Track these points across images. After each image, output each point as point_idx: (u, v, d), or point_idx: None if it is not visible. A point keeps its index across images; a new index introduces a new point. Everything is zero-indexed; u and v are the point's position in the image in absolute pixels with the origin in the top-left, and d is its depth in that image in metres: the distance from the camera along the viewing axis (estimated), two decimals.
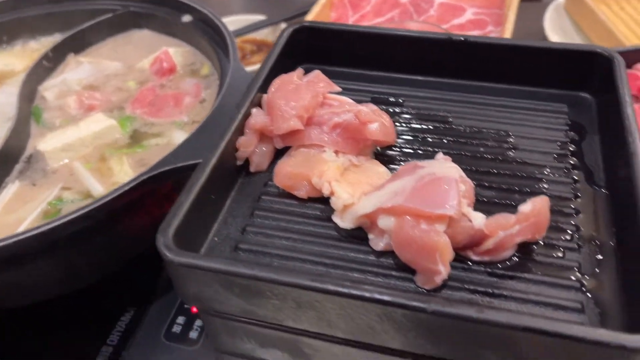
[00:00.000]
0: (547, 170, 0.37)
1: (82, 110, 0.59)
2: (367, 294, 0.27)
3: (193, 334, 0.48)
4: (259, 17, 0.93)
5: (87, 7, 0.69)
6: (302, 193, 0.36)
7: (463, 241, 0.31)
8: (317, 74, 0.40)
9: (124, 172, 0.51)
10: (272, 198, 0.37)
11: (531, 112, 0.42)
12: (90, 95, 0.59)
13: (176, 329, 0.49)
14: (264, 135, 0.38)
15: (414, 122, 0.42)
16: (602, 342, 0.25)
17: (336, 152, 0.37)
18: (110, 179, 0.51)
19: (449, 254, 0.30)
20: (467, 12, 0.78)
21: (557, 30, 0.89)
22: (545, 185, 0.36)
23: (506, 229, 0.31)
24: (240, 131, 0.38)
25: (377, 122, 0.36)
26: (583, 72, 0.42)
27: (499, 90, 0.43)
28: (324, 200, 0.35)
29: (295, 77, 0.39)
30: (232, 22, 0.89)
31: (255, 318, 0.31)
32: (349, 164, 0.37)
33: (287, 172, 0.36)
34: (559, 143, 0.39)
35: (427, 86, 0.44)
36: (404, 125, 0.42)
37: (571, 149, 0.39)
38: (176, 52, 0.65)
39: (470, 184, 0.34)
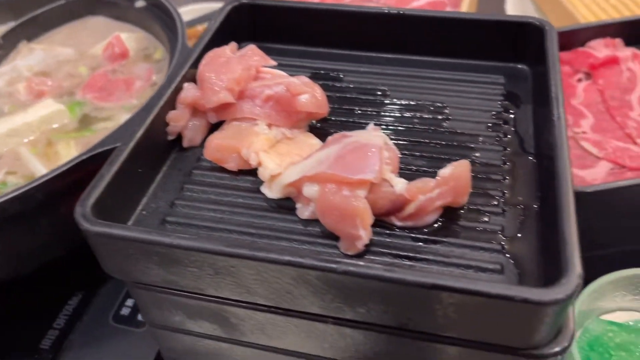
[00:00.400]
0: (479, 139, 0.38)
1: (31, 97, 0.58)
2: (277, 256, 0.27)
3: (141, 316, 0.48)
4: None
5: None
6: (232, 165, 0.36)
7: (385, 206, 0.31)
8: (251, 47, 0.40)
9: (71, 155, 0.51)
10: (203, 172, 0.37)
11: (468, 84, 0.42)
12: (41, 82, 0.59)
13: (125, 311, 0.48)
14: (196, 110, 0.38)
15: (353, 95, 0.42)
16: (504, 296, 0.25)
17: (269, 125, 0.37)
18: (56, 162, 0.51)
19: (369, 219, 0.30)
20: None
21: (518, 12, 0.89)
22: (477, 154, 0.36)
23: (426, 193, 0.31)
24: (172, 106, 0.38)
25: (308, 94, 0.36)
26: (518, 44, 0.42)
27: (437, 64, 0.44)
28: (255, 173, 0.35)
29: (227, 50, 0.39)
30: (193, 10, 0.89)
31: (178, 288, 0.31)
32: (281, 136, 0.37)
33: (216, 144, 0.36)
34: (493, 113, 0.39)
35: (367, 61, 0.44)
36: (342, 99, 0.42)
37: (505, 118, 0.39)
38: (129, 37, 0.64)
39: (395, 151, 0.34)
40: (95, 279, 0.51)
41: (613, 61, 0.63)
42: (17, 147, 0.52)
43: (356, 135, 0.34)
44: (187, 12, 0.86)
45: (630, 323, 0.36)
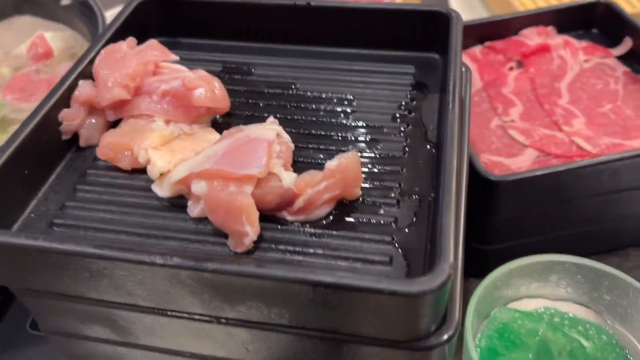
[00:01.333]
0: (384, 130, 0.37)
1: None
2: (144, 257, 0.26)
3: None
4: None
5: None
6: (125, 164, 0.35)
7: (274, 201, 0.31)
8: (151, 42, 0.39)
9: None
10: (98, 172, 0.35)
11: (378, 75, 0.41)
12: None
13: None
14: (93, 108, 0.37)
15: (261, 89, 0.41)
16: (372, 289, 0.24)
17: (167, 122, 0.36)
18: None
19: (255, 215, 0.30)
20: None
21: (462, 3, 0.89)
22: (379, 146, 0.36)
23: (314, 186, 0.30)
24: (67, 104, 0.36)
25: (203, 88, 0.35)
26: (428, 33, 0.42)
27: (349, 55, 0.43)
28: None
29: (124, 46, 0.38)
30: None
31: (61, 292, 0.30)
32: (179, 132, 0.36)
33: (108, 142, 0.35)
34: (400, 103, 0.39)
35: (278, 54, 0.44)
36: (250, 92, 0.41)
37: (411, 108, 0.39)
38: (55, 36, 0.63)
39: (288, 144, 0.33)
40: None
41: (544, 49, 0.63)
42: None
43: (248, 129, 0.33)
44: None
45: (539, 310, 0.36)
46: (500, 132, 0.56)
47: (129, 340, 0.33)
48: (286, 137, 0.33)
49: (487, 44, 0.65)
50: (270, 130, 0.33)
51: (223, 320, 0.29)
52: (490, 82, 0.61)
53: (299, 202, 0.31)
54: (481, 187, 0.47)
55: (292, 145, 0.33)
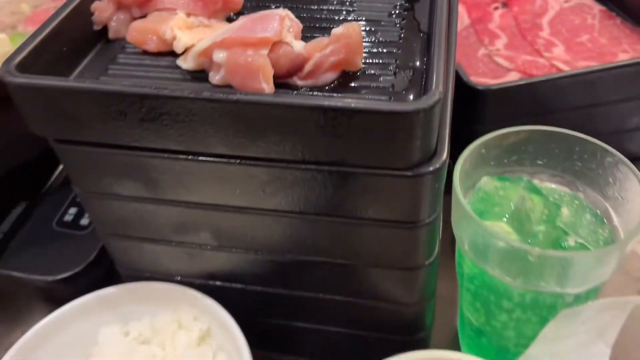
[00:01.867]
0: (381, 23, 0.41)
1: None
2: (180, 94, 0.30)
3: (84, 221, 0.51)
4: None
5: None
6: (152, 46, 0.39)
7: (286, 65, 0.35)
8: None
9: None
10: (127, 55, 0.40)
11: None
12: None
13: (68, 218, 0.51)
14: (121, 4, 0.41)
15: None
16: (371, 110, 0.29)
17: (188, 14, 0.40)
18: None
19: (270, 72, 0.34)
20: None
21: None
22: (377, 34, 0.40)
23: (321, 50, 0.35)
24: None
25: None
26: None
27: None
28: (173, 54, 0.38)
29: None
30: None
31: (101, 141, 0.34)
32: (199, 23, 0.40)
33: (137, 26, 0.39)
34: (396, 4, 0.43)
35: None
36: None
37: (406, 8, 0.43)
38: None
39: (298, 23, 0.37)
40: (39, 190, 0.53)
41: None
42: None
43: (261, 11, 0.37)
44: None
45: (521, 179, 0.40)
46: (486, 59, 0.60)
47: (157, 196, 0.37)
48: (295, 19, 0.38)
49: None
50: (282, 10, 0.37)
51: (244, 161, 0.33)
52: (477, 19, 0.66)
53: (309, 66, 0.35)
54: (468, 97, 0.52)
55: (300, 25, 0.38)
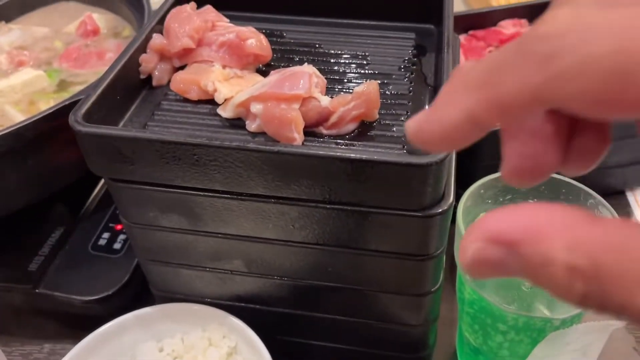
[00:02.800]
0: (392, 77, 0.47)
1: (12, 66, 0.65)
2: (229, 143, 0.36)
3: (117, 245, 0.55)
4: None
5: None
6: (193, 95, 0.44)
7: (314, 117, 0.41)
8: (208, 7, 0.49)
9: None
10: (170, 102, 0.45)
11: (385, 39, 0.51)
12: (20, 53, 0.66)
13: (102, 242, 0.56)
14: (163, 56, 0.47)
15: (292, 48, 0.51)
16: (390, 162, 0.34)
17: (223, 67, 0.46)
18: None
19: (301, 125, 0.39)
20: None
21: None
22: (390, 87, 0.46)
23: (345, 105, 0.40)
24: (143, 52, 0.46)
25: (254, 39, 0.45)
26: (426, 7, 0.52)
27: (360, 25, 0.53)
28: (212, 102, 0.44)
29: (188, 7, 0.48)
30: None
31: (152, 181, 0.39)
32: (233, 75, 0.46)
33: (180, 77, 0.45)
34: (404, 59, 0.49)
35: (303, 23, 0.53)
36: (283, 51, 0.50)
37: (413, 62, 0.49)
38: (100, 17, 0.72)
39: (323, 79, 0.43)
40: (75, 216, 0.58)
41: (517, 36, 0.74)
42: (2, 106, 0.59)
43: (292, 68, 0.43)
44: None
45: None
46: None
47: (198, 228, 0.42)
48: (320, 75, 0.43)
49: (470, 32, 0.76)
50: (310, 68, 0.43)
51: (278, 200, 0.38)
52: None
53: (333, 118, 0.40)
54: None
55: (325, 81, 0.43)
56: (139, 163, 0.38)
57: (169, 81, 0.47)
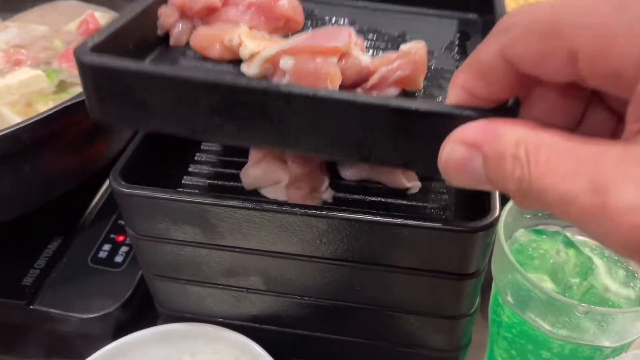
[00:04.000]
0: (435, 54, 0.43)
1: (9, 65, 0.61)
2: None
3: (118, 258, 0.51)
4: None
5: None
6: (215, 53, 0.39)
7: (352, 77, 0.35)
8: None
9: None
10: (188, 60, 0.40)
11: (426, 22, 0.48)
12: (17, 52, 0.62)
13: (102, 254, 0.52)
14: (185, 14, 0.41)
15: (324, 23, 0.46)
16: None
17: (250, 28, 0.41)
18: None
19: (338, 79, 0.34)
20: None
21: None
22: (434, 61, 0.41)
23: (388, 64, 0.35)
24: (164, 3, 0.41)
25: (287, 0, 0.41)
26: None
27: (400, 11, 0.49)
28: (235, 62, 0.39)
29: None
30: None
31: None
32: (261, 37, 0.41)
33: (203, 33, 0.40)
34: (448, 39, 0.45)
35: (338, 5, 0.49)
36: (314, 25, 0.46)
37: (457, 43, 0.45)
38: (102, 16, 0.68)
39: (362, 40, 0.39)
40: (74, 226, 0.54)
41: None
42: None
43: (328, 27, 0.39)
44: None
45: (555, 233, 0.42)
46: None
47: (213, 241, 0.38)
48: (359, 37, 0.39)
49: None
50: (347, 27, 0.38)
51: (306, 211, 0.34)
52: None
53: (374, 78, 0.35)
54: None
55: (364, 43, 0.39)
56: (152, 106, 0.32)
57: (188, 42, 0.41)
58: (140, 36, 0.39)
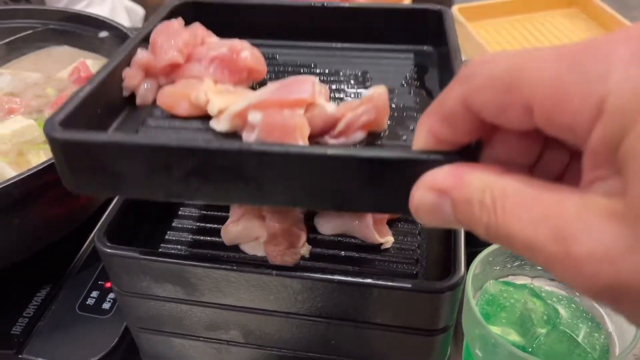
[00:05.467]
0: (396, 92, 0.43)
1: (2, 114, 0.63)
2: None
3: (106, 305, 0.52)
4: None
5: (8, 25, 0.74)
6: (182, 111, 0.39)
7: (320, 125, 0.36)
8: (197, 24, 0.45)
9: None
10: (156, 119, 0.40)
11: (384, 59, 0.48)
12: (10, 100, 0.64)
13: (90, 301, 0.52)
14: (149, 72, 0.42)
15: (286, 69, 0.47)
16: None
17: (215, 82, 0.41)
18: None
19: (307, 131, 0.34)
20: None
21: None
22: (394, 100, 0.42)
23: (353, 110, 0.36)
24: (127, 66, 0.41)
25: (248, 51, 0.42)
26: (422, 29, 0.48)
27: (358, 49, 0.50)
28: (203, 118, 0.39)
29: (176, 24, 0.44)
30: None
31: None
32: (225, 90, 0.41)
33: (169, 91, 0.40)
34: (406, 76, 0.45)
35: (298, 47, 0.50)
36: (277, 72, 0.47)
37: (416, 78, 0.45)
38: (94, 63, 0.70)
39: (326, 88, 0.39)
40: (62, 274, 0.55)
41: None
42: None
43: (293, 77, 0.39)
44: None
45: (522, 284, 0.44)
46: None
47: (193, 298, 0.39)
48: (323, 85, 0.39)
49: None
50: (311, 76, 0.38)
51: (281, 272, 0.36)
52: None
53: (341, 125, 0.36)
54: None
55: (328, 90, 0.39)
56: (124, 176, 0.32)
57: (154, 101, 0.41)
58: (106, 101, 0.39)
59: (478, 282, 0.43)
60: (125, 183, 0.32)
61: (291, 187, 0.30)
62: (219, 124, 0.37)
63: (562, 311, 0.41)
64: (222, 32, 0.50)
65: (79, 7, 1.26)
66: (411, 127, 0.39)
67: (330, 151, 0.29)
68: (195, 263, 0.36)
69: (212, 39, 0.45)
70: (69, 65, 0.70)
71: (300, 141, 0.33)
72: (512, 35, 1.02)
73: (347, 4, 0.49)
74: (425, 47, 0.49)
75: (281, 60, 0.49)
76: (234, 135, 0.37)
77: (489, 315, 0.42)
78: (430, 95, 0.43)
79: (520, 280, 0.45)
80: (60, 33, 0.74)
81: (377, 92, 0.36)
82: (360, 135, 0.36)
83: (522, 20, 1.04)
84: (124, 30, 0.68)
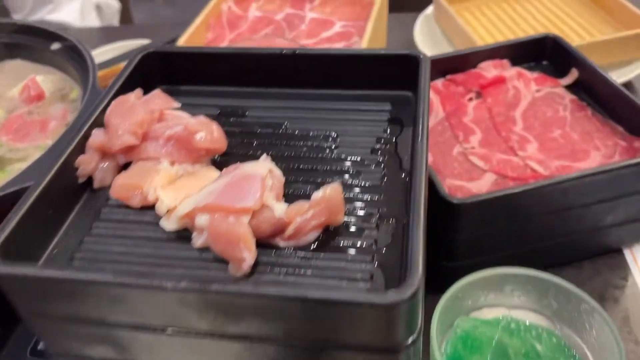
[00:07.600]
0: (364, 162, 0.42)
1: None
2: (156, 283, 0.30)
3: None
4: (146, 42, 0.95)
5: None
6: (135, 202, 0.39)
7: (268, 230, 0.35)
8: (156, 92, 0.44)
9: None
10: (111, 209, 0.40)
11: (358, 113, 0.47)
12: None
13: (42, 346, 0.50)
14: (105, 153, 0.41)
15: (254, 130, 0.46)
16: (348, 302, 0.29)
17: (172, 163, 0.41)
18: None
19: (252, 242, 0.34)
20: (336, 26, 0.83)
21: (427, 39, 0.95)
22: (360, 176, 0.41)
23: (302, 214, 0.35)
24: (82, 150, 0.41)
25: (203, 132, 0.40)
26: (402, 73, 0.47)
27: (331, 96, 0.48)
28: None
29: (132, 97, 0.43)
30: (112, 49, 0.91)
31: (73, 317, 0.34)
32: (183, 172, 0.41)
33: (121, 183, 0.39)
34: (378, 137, 0.44)
35: (269, 97, 0.49)
36: (244, 133, 0.46)
37: (388, 141, 0.44)
38: (46, 79, 0.66)
39: (279, 178, 0.38)
40: (13, 318, 0.52)
41: (500, 80, 0.70)
42: None
43: (244, 167, 0.38)
44: (105, 52, 0.88)
45: (497, 318, 0.41)
46: (461, 158, 0.61)
47: (126, 358, 0.36)
48: (277, 172, 0.38)
49: (449, 77, 0.71)
50: (263, 167, 0.37)
51: (217, 336, 0.33)
52: (452, 112, 0.67)
53: (290, 230, 0.35)
54: (444, 209, 0.52)
55: (282, 179, 0.38)
56: (60, 302, 0.33)
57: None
58: (58, 196, 0.39)
59: (448, 318, 0.39)
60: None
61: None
62: (169, 224, 0.38)
63: (541, 348, 0.38)
64: (190, 80, 0.50)
65: (46, 10, 1.21)
66: (372, 219, 0.38)
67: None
68: (122, 327, 0.33)
69: (172, 109, 0.44)
70: (21, 81, 0.67)
71: (245, 252, 0.34)
72: (497, 16, 0.97)
73: (318, 51, 0.49)
74: (405, 92, 0.48)
75: (250, 117, 0.47)
76: (185, 231, 0.38)
77: (461, 356, 0.38)
78: (400, 165, 0.42)
79: (497, 311, 0.41)
80: (11, 46, 0.70)
81: (330, 192, 0.36)
82: (313, 235, 0.36)
83: None
84: (74, 42, 0.63)
